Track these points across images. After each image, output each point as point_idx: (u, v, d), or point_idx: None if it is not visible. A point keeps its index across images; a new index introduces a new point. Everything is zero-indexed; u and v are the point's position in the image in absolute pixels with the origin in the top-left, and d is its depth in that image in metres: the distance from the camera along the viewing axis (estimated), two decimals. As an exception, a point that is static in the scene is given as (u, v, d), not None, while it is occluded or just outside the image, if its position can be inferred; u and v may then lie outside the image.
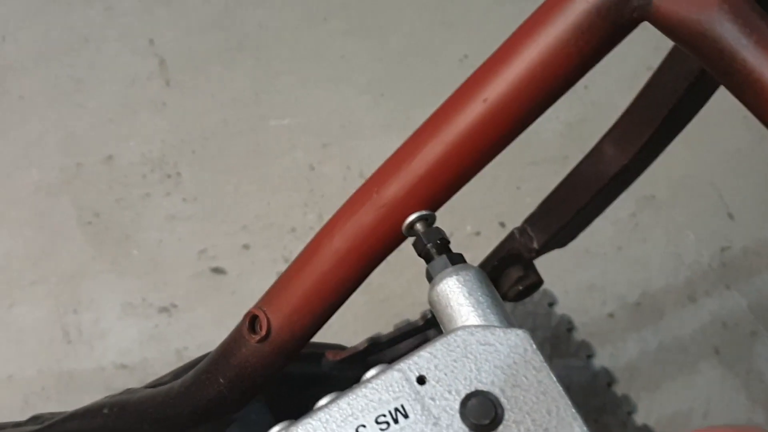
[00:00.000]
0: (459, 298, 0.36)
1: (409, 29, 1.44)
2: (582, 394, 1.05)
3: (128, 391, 0.57)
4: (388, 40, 1.42)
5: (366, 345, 0.74)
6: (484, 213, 1.25)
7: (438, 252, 0.40)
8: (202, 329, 1.15)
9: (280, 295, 0.46)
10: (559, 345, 1.08)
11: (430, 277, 0.40)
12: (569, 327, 1.11)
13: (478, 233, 1.24)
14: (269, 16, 1.42)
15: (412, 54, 1.41)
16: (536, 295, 1.14)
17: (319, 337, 0.81)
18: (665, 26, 0.35)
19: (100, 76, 1.36)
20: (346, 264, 0.44)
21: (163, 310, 1.16)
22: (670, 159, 1.31)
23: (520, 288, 0.81)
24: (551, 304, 1.12)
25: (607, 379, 1.07)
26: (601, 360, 1.10)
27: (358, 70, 1.39)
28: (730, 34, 0.33)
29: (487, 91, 0.40)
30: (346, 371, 0.73)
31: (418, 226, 0.43)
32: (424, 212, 0.43)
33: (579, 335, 1.10)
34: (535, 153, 1.30)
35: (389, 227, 0.43)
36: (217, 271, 1.19)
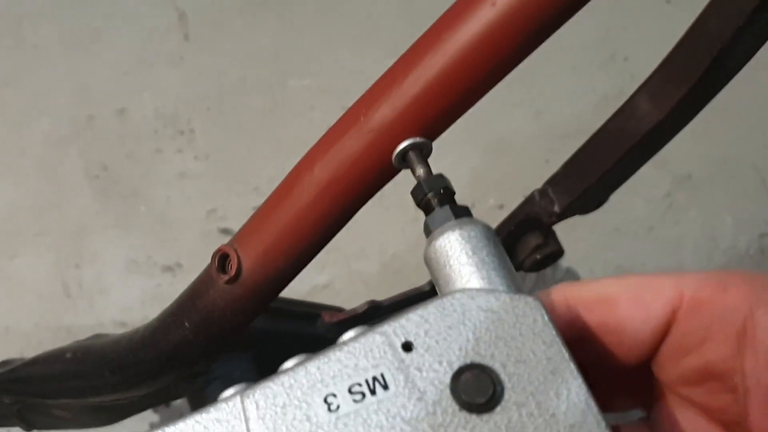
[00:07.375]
0: (460, 256, 0.30)
1: (441, -9, 1.37)
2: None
3: (96, 336, 0.52)
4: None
5: (365, 308, 0.69)
6: (508, 186, 1.18)
7: (440, 203, 0.34)
8: (207, 291, 1.10)
9: (253, 233, 0.41)
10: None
11: (428, 231, 0.34)
12: (592, 308, 1.05)
13: (501, 206, 1.17)
14: (295, -28, 1.37)
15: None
16: (559, 273, 1.08)
17: (324, 301, 0.76)
18: None
19: (117, 28, 1.31)
20: (328, 197, 0.39)
21: (168, 269, 1.11)
22: (710, 137, 1.25)
23: (538, 257, 0.74)
24: (575, 283, 1.07)
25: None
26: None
27: (384, 31, 1.32)
28: None
29: (496, -7, 0.34)
30: (342, 334, 0.68)
31: (412, 155, 0.37)
32: (418, 139, 0.37)
33: (602, 317, 1.04)
34: (567, 125, 1.23)
35: (377, 156, 0.37)
36: (226, 231, 1.14)
